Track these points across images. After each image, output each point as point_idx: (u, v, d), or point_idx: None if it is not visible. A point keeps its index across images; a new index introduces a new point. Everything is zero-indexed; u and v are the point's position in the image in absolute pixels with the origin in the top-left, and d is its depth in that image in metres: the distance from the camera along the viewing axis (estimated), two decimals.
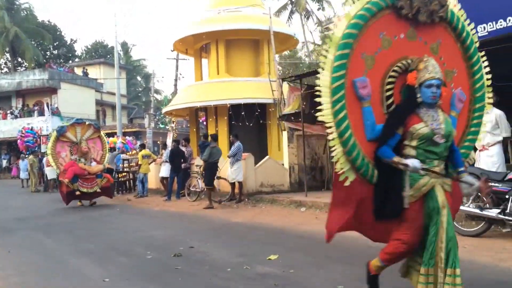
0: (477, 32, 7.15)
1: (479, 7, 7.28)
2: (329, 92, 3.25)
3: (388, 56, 3.41)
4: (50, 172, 18.71)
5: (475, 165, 6.77)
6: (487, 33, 7.09)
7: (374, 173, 3.33)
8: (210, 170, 11.36)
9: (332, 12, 35.26)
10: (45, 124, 28.28)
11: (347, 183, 3.31)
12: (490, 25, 7.05)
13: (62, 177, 12.16)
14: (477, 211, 6.05)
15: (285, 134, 13.05)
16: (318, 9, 35.22)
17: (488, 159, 6.63)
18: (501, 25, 6.91)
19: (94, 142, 13.32)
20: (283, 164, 13.04)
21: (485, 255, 5.16)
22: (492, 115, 6.64)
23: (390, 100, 3.42)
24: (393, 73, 3.42)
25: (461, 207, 6.24)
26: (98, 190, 12.51)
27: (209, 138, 12.05)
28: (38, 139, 25.12)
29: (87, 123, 13.59)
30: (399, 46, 3.44)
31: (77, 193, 12.30)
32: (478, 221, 6.24)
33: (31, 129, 25.50)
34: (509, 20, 7.02)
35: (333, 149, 3.29)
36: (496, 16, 6.95)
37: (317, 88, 3.32)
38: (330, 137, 3.29)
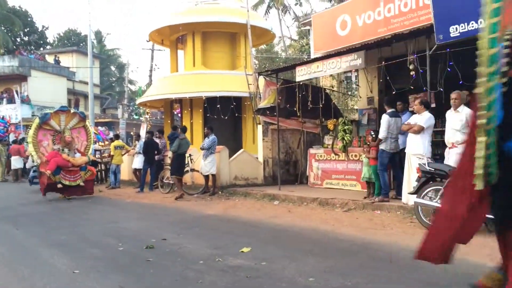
0: (449, 33, 7.35)
1: (451, 9, 7.46)
2: (486, 60, 2.57)
3: None
4: (16, 161, 18.30)
5: (444, 162, 6.98)
6: (458, 34, 7.28)
7: (495, 169, 2.70)
8: (178, 160, 11.61)
9: (309, 8, 35.47)
10: (14, 112, 27.50)
11: (479, 186, 2.69)
12: (462, 26, 7.23)
13: (43, 168, 11.32)
14: None
15: (260, 128, 13.10)
16: (296, 4, 35.41)
17: (457, 156, 6.81)
18: (472, 26, 7.10)
19: (79, 132, 12.48)
20: (257, 158, 13.10)
21: None
22: (463, 114, 6.84)
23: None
24: None
25: (429, 202, 6.44)
26: (82, 183, 11.75)
27: (179, 130, 12.29)
28: (9, 128, 24.43)
29: (72, 111, 12.71)
30: None
31: (59, 185, 11.48)
32: None
33: (2, 118, 24.75)
34: (480, 22, 7.22)
35: (479, 140, 2.65)
36: (468, 18, 7.13)
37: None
38: (478, 122, 2.63)
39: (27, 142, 12.04)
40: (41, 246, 6.20)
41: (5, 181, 18.52)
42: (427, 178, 6.62)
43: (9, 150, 19.07)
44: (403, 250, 5.28)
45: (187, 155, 12.09)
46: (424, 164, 6.67)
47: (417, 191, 6.65)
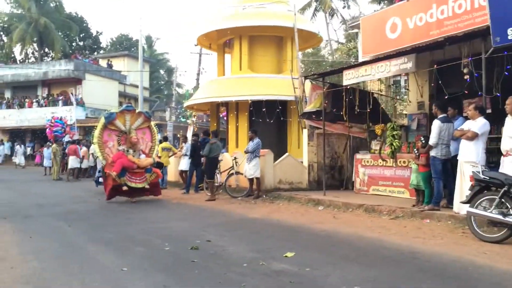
0: (506, 35, 6.98)
1: (508, 10, 7.09)
2: None
3: None
4: (73, 161, 19.07)
5: (499, 170, 6.63)
6: None
7: None
8: (210, 164, 11.87)
9: (357, 11, 34.94)
10: (69, 113, 28.79)
11: None
12: None
13: (108, 169, 10.95)
14: (500, 217, 5.91)
15: (305, 132, 12.98)
16: (343, 7, 35.00)
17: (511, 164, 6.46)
18: None
19: (144, 133, 11.98)
20: (302, 162, 12.99)
21: (506, 262, 5.04)
22: None
23: None
24: None
25: (484, 213, 6.13)
26: (147, 186, 11.27)
27: (210, 135, 12.64)
28: (67, 129, 25.58)
29: (137, 111, 12.21)
30: None
31: (124, 188, 11.04)
32: (501, 228, 6.10)
33: (60, 119, 25.95)
34: None
35: None
36: None
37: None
38: None
39: (92, 142, 11.66)
40: (90, 243, 6.40)
41: (60, 180, 19.35)
42: (481, 187, 6.31)
43: (67, 150, 19.90)
44: (453, 262, 5.05)
45: (220, 158, 12.49)
46: (478, 172, 6.36)
47: (470, 200, 6.35)
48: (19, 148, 27.89)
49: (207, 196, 12.16)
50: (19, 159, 27.19)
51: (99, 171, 13.83)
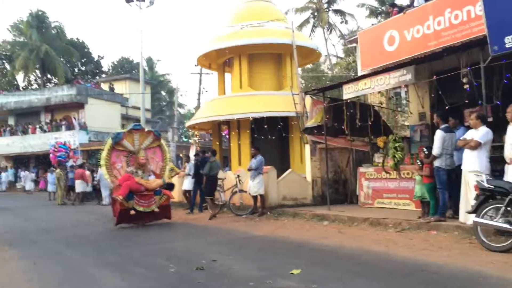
0: (504, 43, 7.01)
1: (505, 18, 7.13)
2: None
3: None
4: (80, 186, 19.01)
5: (504, 179, 6.59)
6: None
7: None
8: (210, 182, 12.01)
9: (355, 25, 35.26)
10: (72, 138, 28.89)
11: None
12: None
13: (116, 192, 10.46)
14: (506, 225, 5.85)
15: (307, 147, 12.98)
16: (341, 22, 35.36)
17: None
18: None
19: (154, 152, 11.38)
20: (305, 178, 12.95)
21: None
22: None
23: None
24: None
25: (490, 222, 6.07)
26: (156, 209, 10.71)
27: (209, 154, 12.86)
28: (70, 154, 25.65)
29: (146, 129, 11.62)
30: None
31: (132, 212, 10.56)
32: (508, 236, 6.03)
33: (64, 144, 26.04)
34: None
35: None
36: None
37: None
38: None
39: (99, 164, 10.96)
40: (93, 266, 6.35)
41: (64, 204, 19.32)
42: (486, 196, 6.25)
43: (74, 174, 19.90)
44: (461, 273, 4.98)
45: (223, 176, 12.74)
46: (482, 181, 6.32)
47: (476, 210, 6.29)
48: (28, 174, 27.81)
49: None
50: (28, 185, 27.10)
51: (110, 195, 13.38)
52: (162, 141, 11.69)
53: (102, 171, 10.93)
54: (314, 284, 4.78)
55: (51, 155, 25.11)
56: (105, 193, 18.83)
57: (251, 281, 5.02)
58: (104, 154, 10.79)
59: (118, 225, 10.57)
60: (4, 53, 41.98)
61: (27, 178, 27.56)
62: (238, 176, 12.61)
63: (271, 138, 15.43)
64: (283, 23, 18.26)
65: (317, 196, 12.65)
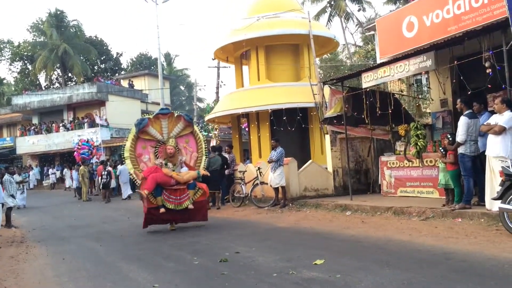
0: None
1: None
2: None
3: None
4: (112, 183, 19.29)
5: None
6: None
7: None
8: (211, 177, 11.32)
9: (373, 13, 34.72)
10: (94, 135, 29.38)
11: None
12: None
13: (141, 187, 9.07)
14: None
15: (327, 138, 12.91)
16: (359, 10, 34.80)
17: None
18: None
19: (186, 141, 9.79)
20: (326, 168, 12.90)
21: None
22: None
23: None
24: None
25: None
26: (191, 205, 9.10)
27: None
28: (93, 151, 26.10)
29: (176, 114, 9.83)
30: None
31: (161, 210, 8.91)
32: None
33: (87, 141, 26.51)
34: None
35: None
36: None
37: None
38: None
39: (123, 156, 9.48)
40: (122, 261, 6.49)
41: (89, 201, 19.72)
42: (511, 182, 6.15)
43: (97, 171, 20.32)
44: (489, 260, 4.92)
45: (240, 169, 13.04)
46: (508, 167, 6.21)
47: (502, 196, 6.18)
48: (67, 171, 27.67)
49: (233, 208, 12.20)
50: (68, 182, 27.07)
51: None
52: (196, 128, 10.07)
53: (127, 164, 9.47)
54: (339, 274, 4.79)
55: (75, 153, 25.59)
56: (125, 188, 19.29)
57: (275, 272, 5.07)
58: (128, 145, 9.39)
59: (146, 227, 9.28)
60: (25, 53, 42.78)
61: (66, 176, 27.83)
62: (259, 168, 12.64)
63: (290, 129, 15.39)
64: (299, 13, 18.09)
65: (339, 187, 12.60)
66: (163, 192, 8.97)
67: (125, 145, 9.52)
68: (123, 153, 9.47)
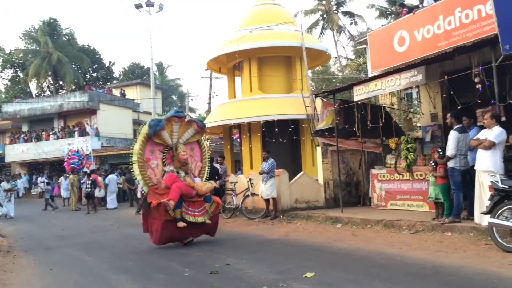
0: None
1: None
2: None
3: None
4: (100, 192, 19.08)
5: None
6: None
7: None
8: None
9: (364, 26, 35.14)
10: (85, 144, 29.20)
11: None
12: None
13: (156, 198, 8.02)
14: None
15: (319, 150, 12.96)
16: (351, 23, 35.25)
17: None
18: None
19: (192, 149, 9.09)
20: (317, 180, 12.93)
21: None
22: None
23: None
24: None
25: (505, 222, 6.02)
26: (208, 220, 8.37)
27: None
28: (83, 161, 25.87)
29: (187, 118, 9.13)
30: None
31: (181, 224, 7.96)
32: None
33: (77, 151, 26.29)
34: None
35: None
36: None
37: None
38: None
39: (131, 161, 8.39)
40: (110, 272, 6.42)
41: (78, 210, 19.51)
42: (501, 197, 6.20)
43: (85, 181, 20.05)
44: (478, 274, 4.94)
45: (231, 180, 12.72)
46: (497, 181, 6.27)
47: (491, 211, 6.24)
48: (63, 180, 25.79)
49: (224, 219, 12.16)
50: (64, 193, 25.29)
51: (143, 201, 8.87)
52: (203, 137, 9.48)
53: (135, 170, 8.35)
54: (329, 286, 4.78)
55: (65, 162, 25.38)
56: (111, 198, 19.25)
57: (265, 285, 5.05)
58: (137, 147, 8.34)
59: (160, 244, 8.19)
60: (17, 60, 42.55)
61: (62, 184, 26.39)
62: (250, 179, 12.63)
63: (282, 141, 15.43)
64: (292, 26, 18.26)
65: (330, 199, 12.62)
66: (183, 204, 8.10)
67: (133, 147, 8.49)
68: (131, 157, 8.42)
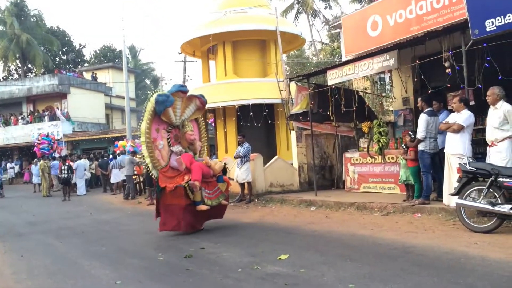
0: (485, 27, 7.09)
1: (485, 2, 7.21)
2: None
3: None
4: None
5: (486, 161, 6.72)
6: (495, 28, 7.00)
7: None
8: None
9: (339, 11, 35.19)
10: (55, 128, 28.57)
11: None
12: (498, 19, 6.95)
13: (164, 182, 7.49)
14: (489, 207, 5.99)
15: (293, 134, 13.03)
16: (325, 8, 35.20)
17: (498, 154, 6.55)
18: (509, 19, 6.81)
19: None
20: (292, 164, 13.02)
21: (497, 251, 5.11)
22: (501, 110, 6.57)
23: None
24: None
25: (472, 203, 6.21)
26: (224, 201, 8.12)
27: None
28: (54, 145, 25.31)
29: (188, 93, 8.39)
30: None
31: (203, 207, 7.51)
32: (490, 217, 6.19)
33: (47, 135, 25.67)
34: None
35: None
36: (504, 11, 6.86)
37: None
38: None
39: (139, 140, 7.98)
40: (83, 258, 6.35)
41: (49, 196, 19.16)
42: (468, 178, 6.39)
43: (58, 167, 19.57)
44: (446, 254, 5.10)
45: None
46: (465, 163, 6.44)
47: (459, 192, 6.42)
48: (34, 167, 24.58)
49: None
50: (35, 179, 24.22)
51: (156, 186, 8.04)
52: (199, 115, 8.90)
53: (143, 151, 7.68)
54: (302, 268, 4.86)
55: (35, 148, 24.81)
56: (80, 184, 18.83)
57: (240, 268, 5.09)
58: (144, 126, 7.62)
59: (185, 231, 7.61)
60: None
61: (33, 170, 25.50)
62: (225, 164, 12.59)
63: (257, 125, 15.43)
64: (267, 9, 18.14)
65: (304, 182, 12.76)
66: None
67: (140, 125, 7.75)
68: (139, 136, 7.80)
